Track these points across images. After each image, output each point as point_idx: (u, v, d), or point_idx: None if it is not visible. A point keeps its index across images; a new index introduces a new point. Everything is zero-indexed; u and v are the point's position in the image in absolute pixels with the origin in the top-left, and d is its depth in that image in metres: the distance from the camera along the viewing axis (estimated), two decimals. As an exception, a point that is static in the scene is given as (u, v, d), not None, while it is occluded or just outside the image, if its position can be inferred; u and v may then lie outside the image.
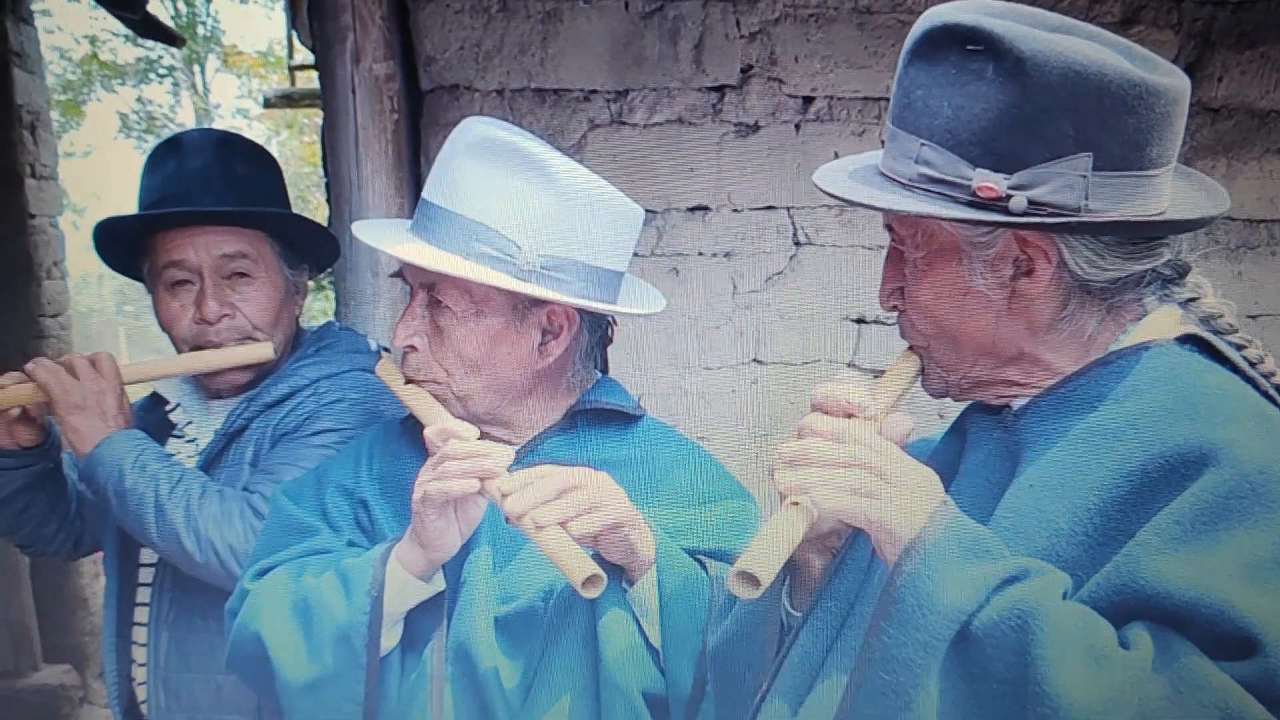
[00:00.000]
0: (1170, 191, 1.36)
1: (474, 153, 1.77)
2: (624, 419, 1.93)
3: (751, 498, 1.91)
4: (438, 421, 1.76)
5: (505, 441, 1.86)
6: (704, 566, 1.74)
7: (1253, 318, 3.66)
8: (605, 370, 2.02)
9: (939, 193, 1.33)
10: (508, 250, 1.73)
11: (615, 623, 1.68)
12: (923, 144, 1.33)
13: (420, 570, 1.73)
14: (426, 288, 1.81)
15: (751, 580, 1.25)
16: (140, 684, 2.30)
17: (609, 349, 2.02)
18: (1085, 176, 1.28)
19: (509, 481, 1.62)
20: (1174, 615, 1.16)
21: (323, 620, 1.74)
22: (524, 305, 1.80)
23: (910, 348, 1.49)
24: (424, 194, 1.83)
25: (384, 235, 1.86)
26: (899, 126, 1.36)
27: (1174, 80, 1.31)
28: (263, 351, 2.24)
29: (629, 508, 1.65)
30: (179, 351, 2.28)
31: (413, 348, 1.83)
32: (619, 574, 1.71)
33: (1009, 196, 1.29)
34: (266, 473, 2.16)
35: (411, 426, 1.88)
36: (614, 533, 1.63)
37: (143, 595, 2.31)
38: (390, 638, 1.77)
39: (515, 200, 1.74)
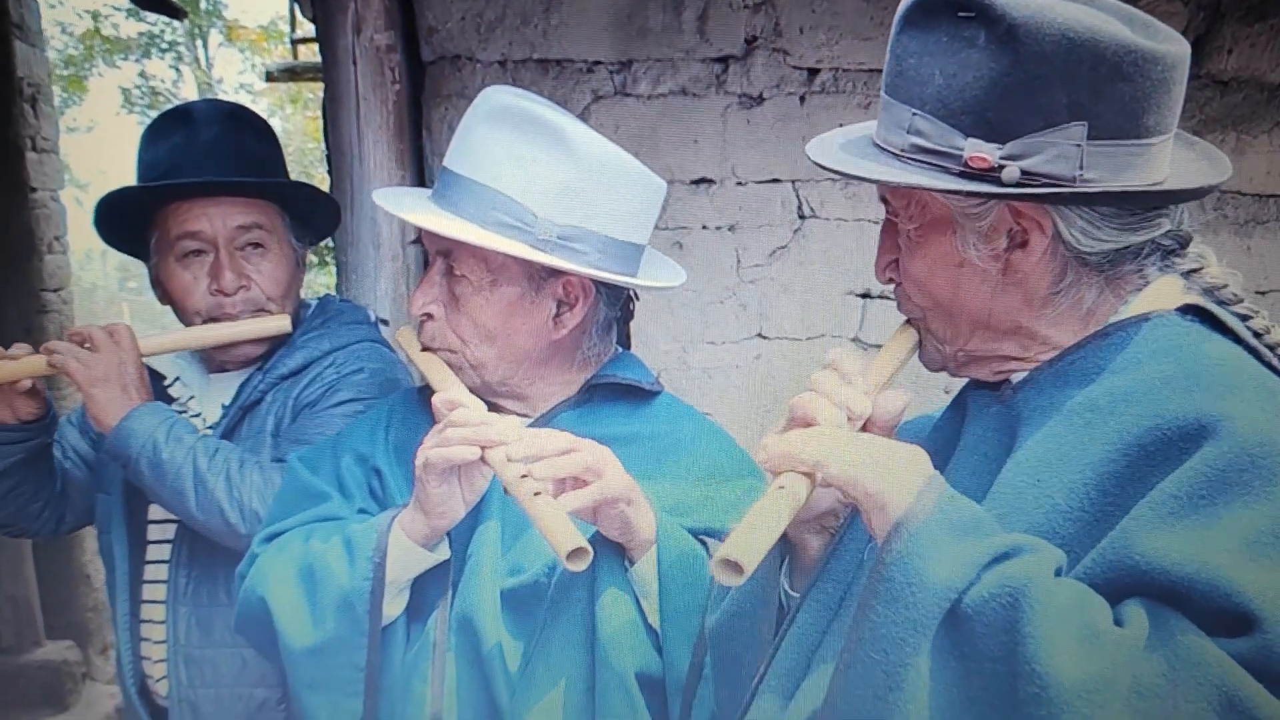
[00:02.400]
0: (1170, 160, 1.33)
1: (494, 121, 1.76)
2: (640, 394, 1.92)
3: (763, 476, 1.89)
4: (447, 390, 1.76)
5: (520, 414, 1.87)
6: (706, 546, 1.73)
7: (1261, 293, 3.64)
8: (627, 345, 2.01)
9: (931, 163, 1.30)
10: (524, 219, 1.73)
11: (614, 601, 1.68)
12: (915, 113, 1.30)
13: (423, 537, 1.73)
14: (443, 255, 1.81)
15: (734, 567, 1.23)
16: (156, 662, 2.30)
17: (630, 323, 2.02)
18: (1079, 146, 1.25)
19: (510, 450, 1.61)
20: (1170, 591, 1.14)
21: (327, 585, 1.74)
22: (540, 275, 1.79)
23: (907, 321, 1.48)
24: (445, 162, 1.83)
25: (403, 202, 1.87)
26: (891, 96, 1.34)
27: (1172, 46, 1.28)
28: (281, 324, 2.25)
29: (628, 483, 1.64)
30: (187, 324, 2.28)
31: (429, 315, 1.83)
32: (621, 552, 1.70)
33: (1001, 167, 1.27)
34: (298, 442, 2.16)
35: (430, 395, 1.87)
36: (610, 507, 1.62)
37: (152, 573, 2.31)
38: (395, 605, 1.77)
39: (534, 169, 1.73)
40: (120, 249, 2.43)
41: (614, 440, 1.70)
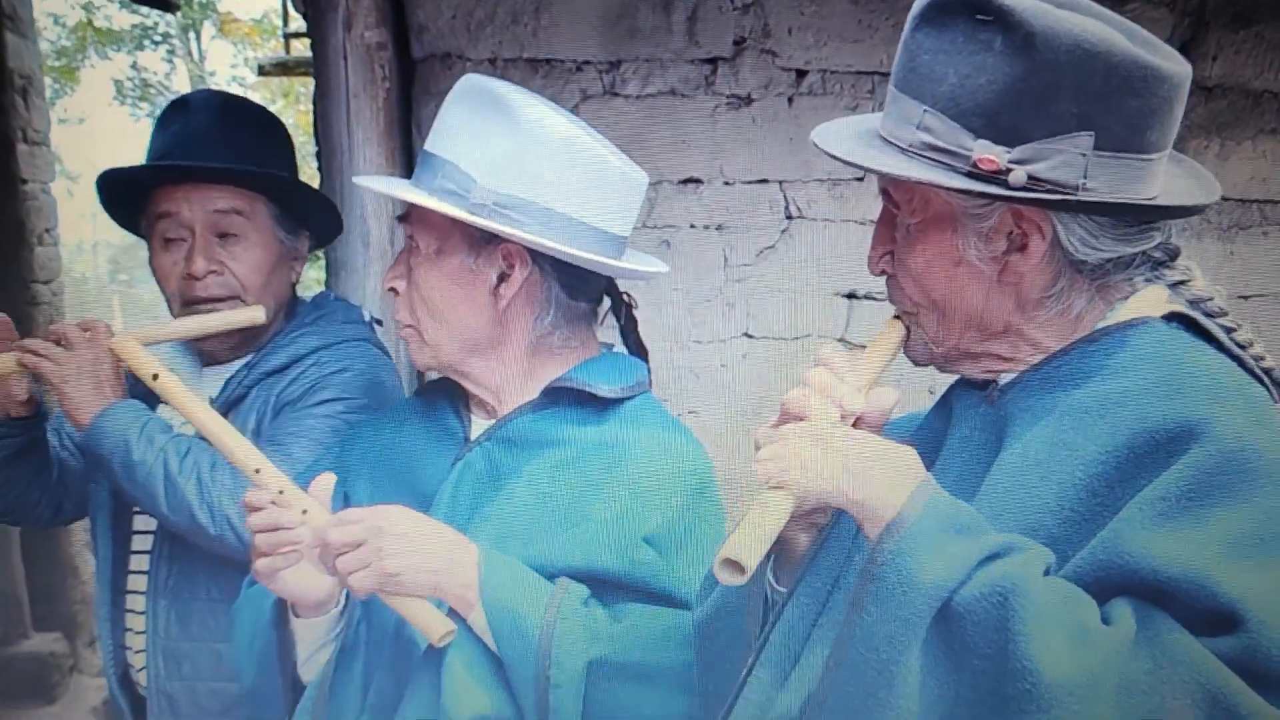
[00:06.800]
0: (1163, 177, 1.36)
1: (455, 99, 1.81)
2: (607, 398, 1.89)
3: (713, 482, 1.86)
4: (192, 415, 1.86)
5: (490, 408, 1.88)
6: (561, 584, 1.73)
7: (1244, 298, 3.66)
8: (638, 350, 2.01)
9: (939, 161, 1.32)
10: (464, 185, 1.75)
11: (456, 650, 1.68)
12: (925, 110, 1.32)
13: (314, 611, 1.79)
14: (410, 235, 1.85)
15: (736, 567, 1.25)
16: (138, 652, 2.30)
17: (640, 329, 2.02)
18: (1085, 155, 1.28)
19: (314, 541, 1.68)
20: (1157, 591, 1.16)
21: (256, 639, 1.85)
22: (479, 243, 1.80)
23: (896, 316, 1.49)
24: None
25: (378, 181, 1.93)
26: (902, 90, 1.36)
27: (1178, 66, 1.31)
28: (253, 315, 2.23)
29: (418, 558, 1.65)
30: (171, 308, 2.28)
31: (394, 290, 1.86)
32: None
33: (1009, 170, 1.29)
34: (272, 443, 2.15)
35: (411, 400, 1.92)
36: (394, 582, 1.64)
37: (137, 564, 2.31)
38: (323, 653, 1.82)
39: (477, 139, 1.76)
40: (133, 231, 2.41)
41: (567, 447, 1.76)
